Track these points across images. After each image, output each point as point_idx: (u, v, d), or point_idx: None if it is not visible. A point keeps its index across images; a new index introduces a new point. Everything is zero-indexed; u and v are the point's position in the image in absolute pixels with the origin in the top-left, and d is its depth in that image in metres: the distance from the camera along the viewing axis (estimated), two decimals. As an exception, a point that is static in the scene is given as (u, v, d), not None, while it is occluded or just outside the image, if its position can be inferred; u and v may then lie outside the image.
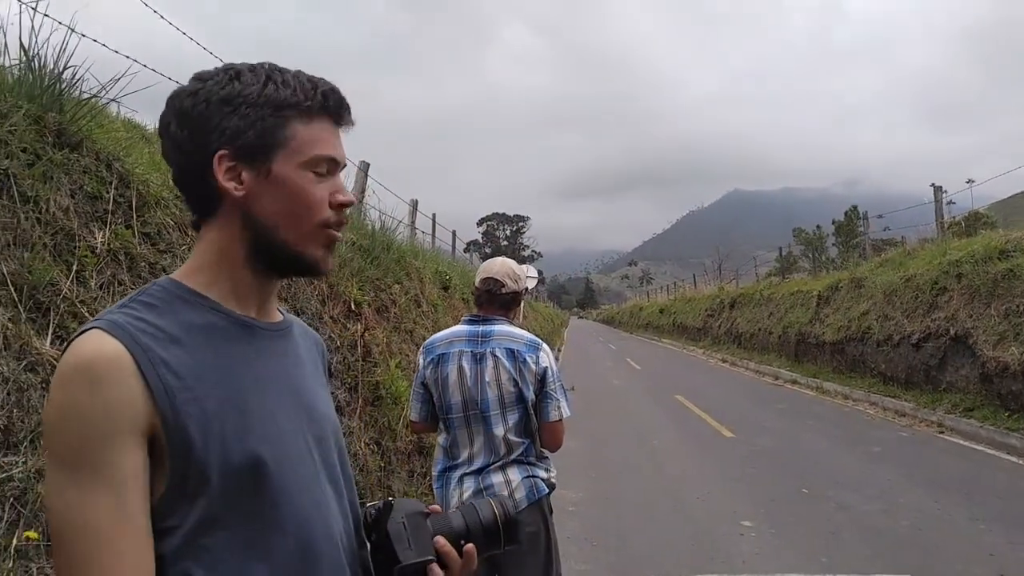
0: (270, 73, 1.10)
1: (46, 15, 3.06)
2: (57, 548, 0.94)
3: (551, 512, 2.97)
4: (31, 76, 2.98)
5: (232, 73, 1.09)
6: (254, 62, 1.13)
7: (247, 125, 1.07)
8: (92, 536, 0.91)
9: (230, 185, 1.08)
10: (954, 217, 17.03)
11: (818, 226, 36.74)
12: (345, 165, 1.19)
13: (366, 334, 5.75)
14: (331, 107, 1.13)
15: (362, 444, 4.94)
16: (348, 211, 1.17)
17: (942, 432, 9.94)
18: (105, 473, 0.93)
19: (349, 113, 1.17)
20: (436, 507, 1.26)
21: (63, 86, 3.06)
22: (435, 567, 1.15)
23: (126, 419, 0.95)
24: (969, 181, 19.29)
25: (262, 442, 1.05)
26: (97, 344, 0.97)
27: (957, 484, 7.15)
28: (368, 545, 1.22)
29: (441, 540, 1.18)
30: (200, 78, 1.10)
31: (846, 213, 33.94)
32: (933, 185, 16.14)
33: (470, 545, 1.21)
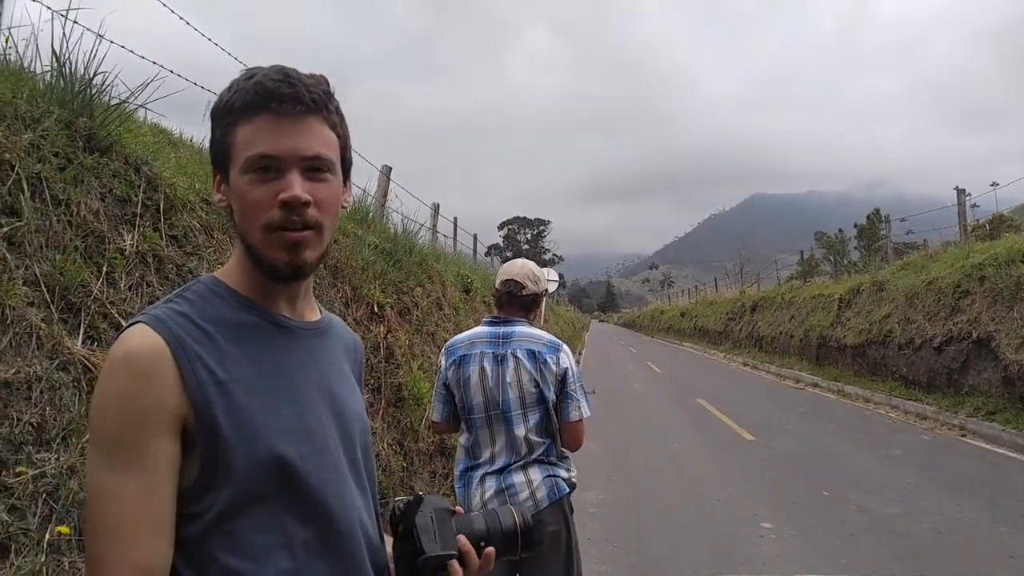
0: (241, 78, 1.11)
1: (76, 22, 3.13)
2: (87, 520, 1.00)
3: (572, 511, 2.99)
4: (62, 82, 3.05)
5: (233, 81, 1.13)
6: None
7: (215, 138, 1.12)
8: (116, 515, 0.97)
9: (217, 197, 1.15)
10: (978, 220, 16.83)
11: (840, 229, 36.41)
12: (300, 157, 1.08)
13: (389, 336, 5.80)
14: (262, 99, 1.07)
15: (385, 445, 4.98)
16: (317, 207, 1.09)
17: (964, 435, 9.83)
18: (138, 458, 0.99)
19: (291, 97, 1.07)
20: (460, 508, 1.31)
21: (93, 92, 3.12)
22: (455, 563, 1.20)
23: (162, 409, 1.00)
24: (993, 184, 19.06)
25: (287, 438, 1.09)
26: (140, 337, 1.03)
27: (979, 487, 7.08)
28: (391, 538, 1.27)
29: (463, 539, 1.23)
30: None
31: (868, 216, 33.65)
32: (956, 188, 15.99)
33: (490, 548, 1.26)
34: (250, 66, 1.16)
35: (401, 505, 1.25)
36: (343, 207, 1.20)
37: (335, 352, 1.27)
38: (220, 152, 1.12)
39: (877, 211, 32.90)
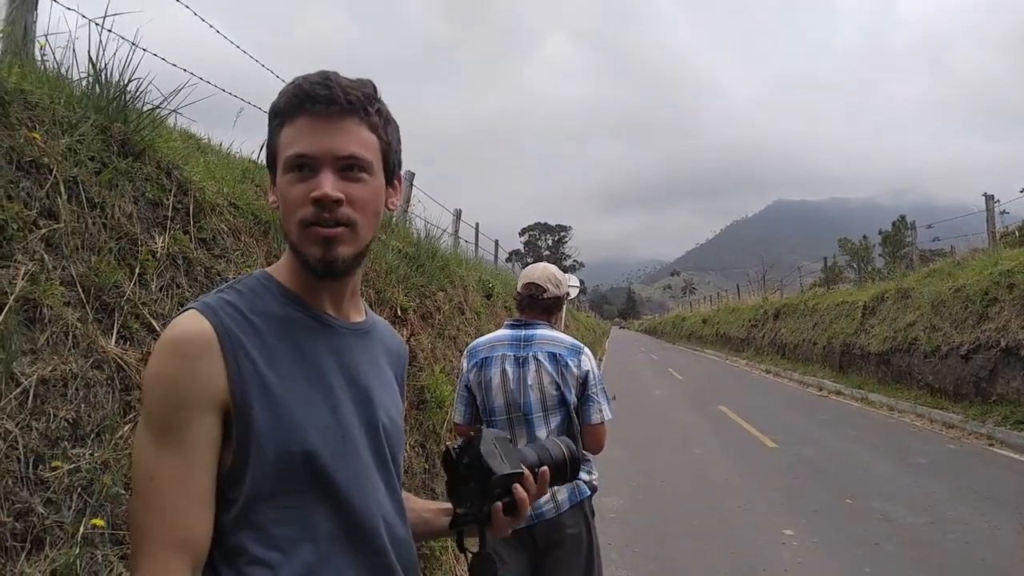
0: (289, 84, 1.16)
1: (110, 30, 3.21)
2: (133, 492, 1.06)
3: (593, 514, 3.00)
4: (98, 88, 3.12)
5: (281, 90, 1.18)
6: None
7: (268, 142, 1.18)
8: (157, 490, 1.02)
9: (271, 199, 1.20)
10: (1007, 227, 16.60)
11: (864, 236, 36.02)
12: (335, 157, 1.12)
13: (411, 339, 5.85)
14: (299, 101, 1.12)
15: (407, 447, 5.03)
16: (344, 206, 1.12)
17: (992, 445, 9.69)
18: (179, 437, 1.04)
19: (326, 99, 1.11)
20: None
21: (127, 98, 3.20)
22: (519, 487, 1.27)
23: (206, 392, 1.05)
24: (1023, 190, 18.78)
25: (318, 433, 1.12)
26: (191, 322, 1.08)
27: (1007, 498, 6.97)
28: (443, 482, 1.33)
29: (522, 464, 1.31)
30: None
31: (893, 223, 33.26)
32: (984, 194, 15.78)
33: (544, 468, 1.34)
34: (279, 73, 1.22)
35: (458, 445, 1.31)
36: (388, 209, 1.23)
37: (375, 353, 1.31)
38: (270, 154, 1.18)
39: (903, 217, 32.52)
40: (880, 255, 32.95)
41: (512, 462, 1.29)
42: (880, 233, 33.93)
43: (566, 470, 1.42)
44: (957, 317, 12.53)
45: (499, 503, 1.27)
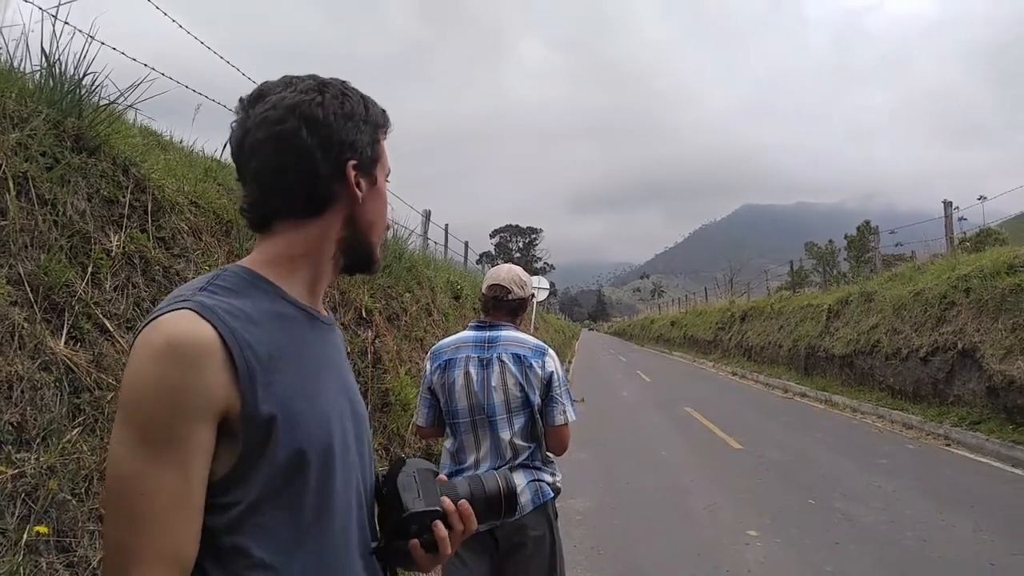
0: (359, 93, 1.22)
1: (66, 22, 3.13)
2: (114, 507, 0.99)
3: (556, 516, 2.98)
4: (52, 82, 3.05)
5: (338, 90, 1.18)
6: (326, 77, 1.20)
7: (366, 140, 1.19)
8: (150, 506, 0.97)
9: (356, 192, 1.18)
10: (964, 233, 16.95)
11: (831, 240, 36.56)
12: None
13: (377, 341, 5.79)
14: (386, 126, 1.26)
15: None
16: None
17: (949, 445, 9.90)
18: (178, 450, 0.98)
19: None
20: (443, 476, 1.30)
21: (83, 92, 3.12)
22: (439, 524, 1.20)
23: (208, 401, 1.00)
24: (981, 198, 19.19)
25: (324, 429, 1.12)
26: (191, 326, 1.01)
27: (962, 496, 7.13)
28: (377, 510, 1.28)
29: (447, 500, 1.23)
30: (309, 89, 1.15)
31: (858, 228, 33.81)
32: (944, 201, 16.10)
33: (464, 502, 1.24)
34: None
35: (383, 473, 1.25)
36: None
37: (339, 346, 1.31)
38: (372, 155, 1.22)
39: (867, 223, 33.05)
40: (845, 259, 33.46)
41: (430, 497, 1.21)
42: (845, 238, 34.48)
43: (500, 506, 1.31)
44: (917, 320, 12.78)
45: (416, 540, 1.19)
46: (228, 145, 1.18)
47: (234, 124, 1.16)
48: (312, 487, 1.09)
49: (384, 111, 1.25)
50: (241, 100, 1.17)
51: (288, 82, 1.17)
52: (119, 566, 0.97)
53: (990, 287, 10.81)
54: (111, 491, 1.00)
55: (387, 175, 1.27)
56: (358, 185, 1.18)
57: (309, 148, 1.13)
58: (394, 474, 1.22)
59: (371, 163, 1.22)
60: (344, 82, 1.21)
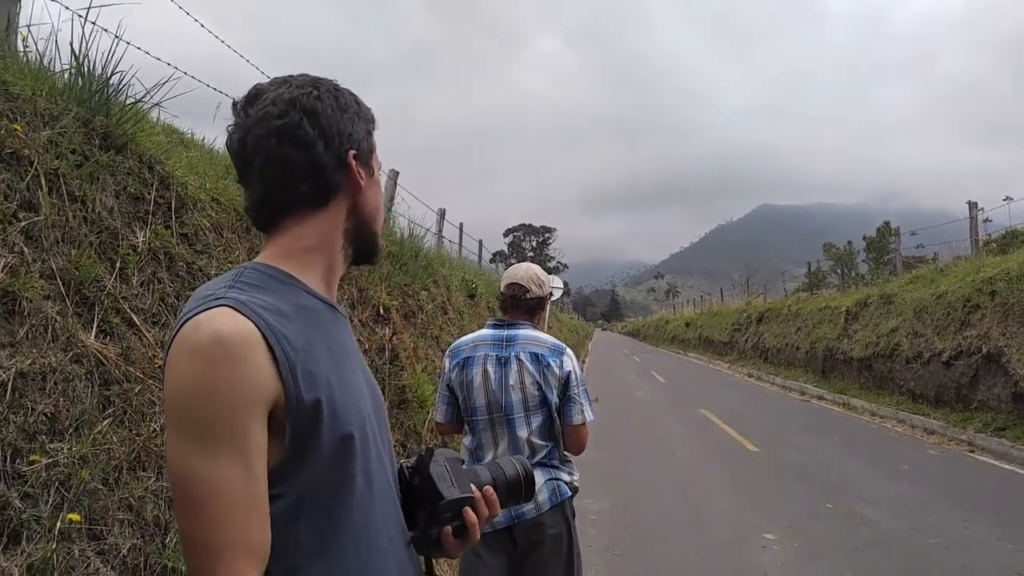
0: (349, 91, 1.26)
1: (94, 23, 3.18)
2: (189, 509, 1.01)
3: (574, 515, 3.00)
4: (80, 81, 3.10)
5: (332, 85, 1.23)
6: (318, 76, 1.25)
7: (362, 132, 1.24)
8: (222, 500, 0.99)
9: (359, 180, 1.22)
10: (989, 234, 16.76)
11: (849, 242, 36.23)
12: None
13: (394, 338, 5.83)
14: (376, 125, 1.30)
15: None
16: None
17: (972, 451, 9.79)
18: (238, 444, 1.00)
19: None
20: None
21: (110, 91, 3.17)
22: (469, 510, 1.25)
23: (259, 393, 1.02)
24: (1007, 198, 18.96)
25: (358, 416, 1.14)
26: (231, 322, 1.03)
27: (987, 504, 7.04)
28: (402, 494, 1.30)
29: (473, 487, 1.28)
30: (305, 84, 1.19)
31: (878, 229, 33.48)
32: (968, 202, 15.93)
33: (488, 488, 1.31)
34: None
35: (410, 463, 1.28)
36: None
37: (352, 335, 1.34)
38: (369, 147, 1.27)
39: (887, 224, 32.74)
40: (864, 261, 33.17)
41: (462, 485, 1.26)
42: (864, 239, 34.19)
43: (520, 489, 1.39)
44: (939, 324, 12.65)
45: (448, 527, 1.24)
46: (228, 148, 1.20)
47: (231, 128, 1.18)
48: (359, 470, 1.12)
49: (371, 108, 1.30)
50: (235, 104, 1.19)
51: (283, 80, 1.20)
52: (205, 566, 0.99)
53: (1016, 290, 10.67)
54: (182, 493, 1.01)
55: (379, 168, 1.31)
56: (359, 174, 1.22)
57: (312, 139, 1.15)
58: (425, 464, 1.24)
59: (368, 154, 1.26)
60: (334, 80, 1.26)
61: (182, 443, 1.01)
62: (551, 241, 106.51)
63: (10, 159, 2.50)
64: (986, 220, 16.31)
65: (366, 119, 1.27)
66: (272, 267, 1.17)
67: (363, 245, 1.27)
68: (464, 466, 1.32)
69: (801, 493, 7.57)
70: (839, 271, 32.87)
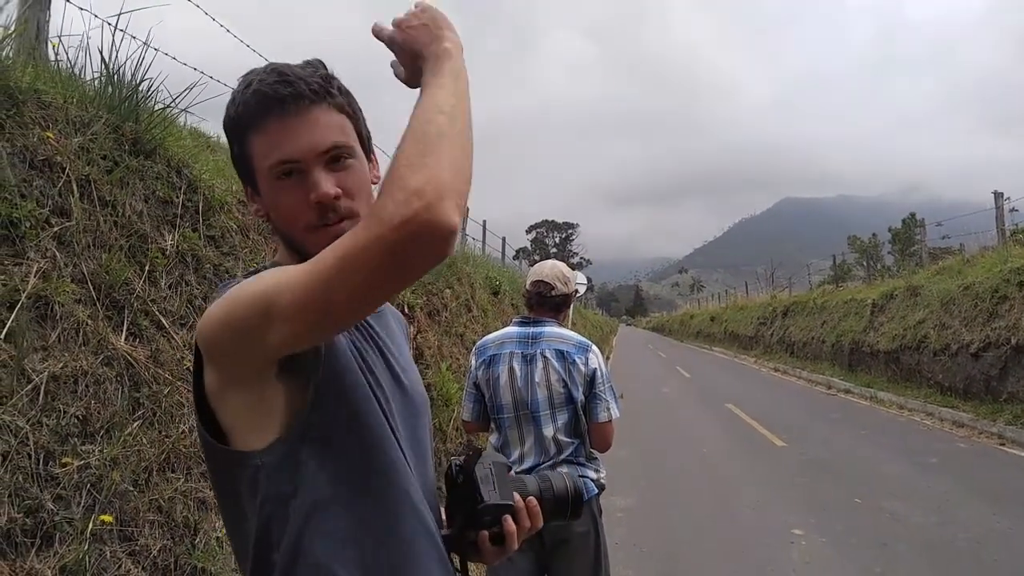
0: (239, 89, 1.12)
1: (123, 31, 3.22)
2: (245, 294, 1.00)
3: (601, 513, 3.00)
4: (111, 88, 3.15)
5: (232, 95, 1.13)
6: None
7: (235, 154, 1.15)
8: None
9: (253, 208, 1.18)
10: (1016, 225, 16.48)
11: (874, 234, 35.80)
12: (319, 153, 1.09)
13: (418, 337, 5.86)
14: (264, 107, 1.08)
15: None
16: (343, 200, 1.10)
17: (1003, 444, 9.63)
18: None
19: (292, 96, 1.08)
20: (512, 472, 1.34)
21: (139, 98, 3.22)
22: (508, 518, 1.22)
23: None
24: (1032, 187, 18.62)
25: (381, 408, 1.13)
26: None
27: (1019, 498, 6.92)
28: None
29: (517, 496, 1.25)
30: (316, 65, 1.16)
31: (903, 220, 33.06)
32: (994, 192, 15.68)
33: (532, 499, 1.27)
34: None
35: (459, 461, 1.26)
36: (374, 183, 1.18)
37: (393, 330, 1.32)
38: (244, 166, 1.14)
39: (912, 215, 32.30)
40: (889, 253, 32.76)
41: (504, 492, 1.23)
42: (890, 231, 33.78)
43: (567, 507, 1.35)
44: (967, 315, 12.47)
45: (485, 532, 1.22)
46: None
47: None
48: (378, 466, 1.11)
49: (252, 97, 1.13)
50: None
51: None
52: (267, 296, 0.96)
53: (1045, 280, 10.48)
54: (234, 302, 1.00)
55: (270, 171, 1.16)
56: (251, 199, 1.20)
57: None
58: (471, 465, 1.23)
59: (246, 174, 1.17)
60: (252, 75, 1.14)
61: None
62: (574, 237, 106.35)
63: (43, 166, 2.55)
64: (1012, 210, 16.02)
65: (234, 127, 1.12)
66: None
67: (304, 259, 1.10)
68: (512, 473, 1.30)
69: (829, 488, 7.49)
70: (864, 263, 32.50)
